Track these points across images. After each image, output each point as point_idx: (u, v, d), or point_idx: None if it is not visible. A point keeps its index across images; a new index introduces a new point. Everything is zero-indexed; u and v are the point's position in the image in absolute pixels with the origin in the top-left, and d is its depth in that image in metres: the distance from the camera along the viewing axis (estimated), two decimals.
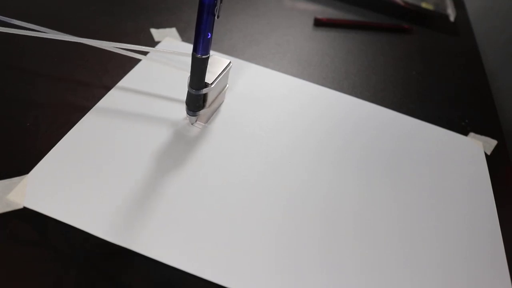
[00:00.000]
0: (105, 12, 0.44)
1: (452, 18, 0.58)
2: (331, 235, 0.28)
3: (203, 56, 0.28)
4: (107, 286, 0.23)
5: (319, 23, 0.52)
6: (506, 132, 0.46)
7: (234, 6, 0.52)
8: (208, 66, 0.30)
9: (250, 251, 0.26)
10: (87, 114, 0.32)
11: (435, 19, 0.61)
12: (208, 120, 0.34)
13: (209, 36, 0.27)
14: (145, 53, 0.38)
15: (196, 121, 0.33)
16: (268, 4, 0.54)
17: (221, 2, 0.26)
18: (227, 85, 0.35)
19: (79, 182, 0.27)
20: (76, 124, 0.31)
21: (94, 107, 0.33)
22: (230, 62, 0.33)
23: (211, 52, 0.41)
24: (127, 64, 0.37)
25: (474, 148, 0.39)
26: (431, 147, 0.38)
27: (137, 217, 0.26)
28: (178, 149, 0.31)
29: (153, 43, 0.41)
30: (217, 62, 0.32)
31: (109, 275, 0.24)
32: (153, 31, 0.43)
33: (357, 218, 0.30)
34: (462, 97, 0.47)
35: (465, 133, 0.41)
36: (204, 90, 0.30)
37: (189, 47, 0.42)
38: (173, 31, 0.44)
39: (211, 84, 0.30)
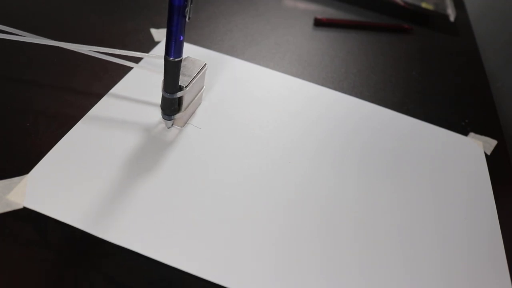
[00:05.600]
0: (105, 12, 0.44)
1: (452, 18, 0.58)
2: (331, 235, 0.28)
3: (176, 59, 0.27)
4: (107, 286, 0.23)
5: (319, 23, 0.52)
6: (506, 132, 0.46)
7: (234, 6, 0.52)
8: (183, 68, 0.30)
9: (250, 251, 0.26)
10: (87, 114, 0.32)
11: (435, 19, 0.61)
12: (185, 123, 0.33)
13: (181, 39, 0.26)
14: (137, 59, 0.38)
15: (172, 125, 0.32)
16: (268, 4, 0.54)
17: (191, 3, 0.25)
18: (204, 87, 0.34)
19: (79, 182, 0.27)
20: (76, 124, 0.31)
21: (94, 107, 0.33)
22: (205, 64, 0.32)
23: (196, 49, 0.41)
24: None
25: (474, 148, 0.39)
26: (431, 147, 0.38)
27: (137, 217, 0.26)
28: (177, 150, 0.31)
29: (153, 43, 0.41)
30: (192, 64, 0.32)
31: (109, 275, 0.24)
32: (153, 31, 0.43)
33: (357, 218, 0.30)
34: (462, 97, 0.47)
35: (465, 133, 0.41)
36: (179, 94, 0.29)
37: (188, 47, 0.42)
38: None
39: (186, 87, 0.30)
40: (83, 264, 0.24)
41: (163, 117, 0.31)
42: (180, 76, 0.29)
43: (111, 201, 0.27)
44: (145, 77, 0.37)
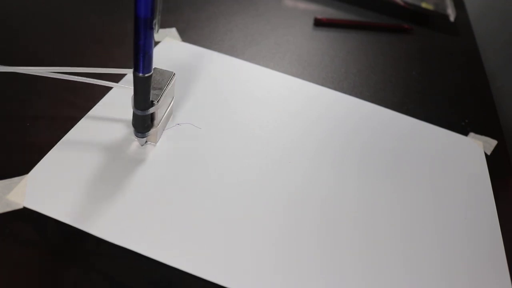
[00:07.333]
0: (105, 12, 0.44)
1: (452, 18, 0.58)
2: (331, 235, 0.28)
3: (146, 75, 0.25)
4: (107, 286, 0.23)
5: (319, 23, 0.52)
6: (506, 132, 0.46)
7: (234, 6, 0.52)
8: (151, 81, 0.28)
9: (250, 251, 0.26)
10: (87, 114, 0.32)
11: (435, 19, 0.61)
12: (159, 139, 0.31)
13: (150, 53, 0.24)
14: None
15: (146, 142, 0.31)
16: (268, 4, 0.54)
17: (159, 14, 0.24)
18: (174, 97, 0.32)
19: (79, 182, 0.27)
20: (76, 124, 0.31)
21: (95, 107, 0.33)
22: (174, 74, 0.30)
23: (196, 49, 0.40)
24: (127, 64, 0.37)
25: (474, 148, 0.39)
26: (431, 147, 0.38)
27: (136, 217, 0.26)
28: (178, 150, 0.31)
29: None
30: (160, 75, 0.30)
31: (109, 275, 0.24)
32: None
33: (357, 218, 0.30)
34: (462, 97, 0.46)
35: (465, 133, 0.41)
36: (151, 110, 0.27)
37: (188, 47, 0.42)
38: (173, 31, 0.44)
39: (157, 101, 0.28)
40: (83, 264, 0.24)
41: (135, 135, 0.29)
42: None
43: (111, 202, 0.27)
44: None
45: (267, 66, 0.43)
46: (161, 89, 0.29)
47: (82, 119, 0.32)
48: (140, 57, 0.24)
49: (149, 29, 0.23)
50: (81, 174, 0.28)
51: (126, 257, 0.24)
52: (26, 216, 0.25)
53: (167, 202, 0.28)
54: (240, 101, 0.37)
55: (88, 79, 0.30)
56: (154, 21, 0.23)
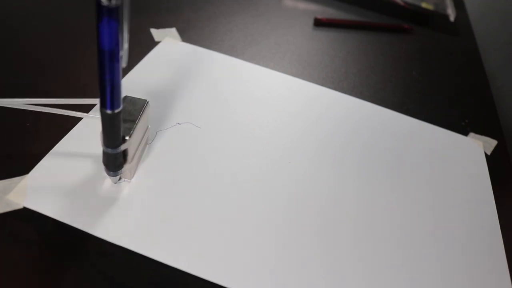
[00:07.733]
0: None
1: (452, 18, 0.58)
2: (331, 235, 0.28)
3: (116, 111, 0.22)
4: (107, 285, 0.23)
5: (319, 23, 0.52)
6: (506, 132, 0.46)
7: (234, 6, 0.52)
8: (122, 113, 0.24)
9: (250, 251, 0.26)
10: (87, 116, 0.32)
11: (435, 19, 0.61)
12: (133, 174, 0.28)
13: (118, 86, 0.21)
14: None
15: (120, 179, 0.28)
16: (268, 4, 0.54)
17: (126, 42, 0.21)
18: (149, 127, 0.29)
19: (79, 182, 0.27)
20: (76, 125, 0.31)
21: (91, 110, 0.33)
22: (147, 102, 0.27)
23: (196, 49, 0.40)
24: None
25: (474, 148, 0.39)
26: (431, 147, 0.38)
27: (136, 217, 0.26)
28: (177, 150, 0.31)
29: (153, 43, 0.41)
30: (132, 105, 0.27)
31: (109, 275, 0.24)
32: (153, 31, 0.43)
33: (357, 218, 0.30)
34: (462, 97, 0.46)
35: (465, 133, 0.41)
36: (123, 147, 0.24)
37: (188, 47, 0.42)
38: (173, 31, 0.44)
39: (130, 136, 0.25)
40: (83, 264, 0.24)
41: (107, 174, 0.26)
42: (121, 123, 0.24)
43: (111, 202, 0.27)
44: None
45: (267, 66, 0.43)
46: (133, 121, 0.25)
47: (81, 121, 0.31)
48: (106, 92, 0.21)
49: (115, 62, 0.20)
50: (80, 174, 0.28)
51: (126, 257, 0.24)
52: (26, 216, 0.25)
53: (167, 202, 0.28)
54: (240, 101, 0.37)
55: (57, 110, 0.27)
56: (120, 54, 0.20)
